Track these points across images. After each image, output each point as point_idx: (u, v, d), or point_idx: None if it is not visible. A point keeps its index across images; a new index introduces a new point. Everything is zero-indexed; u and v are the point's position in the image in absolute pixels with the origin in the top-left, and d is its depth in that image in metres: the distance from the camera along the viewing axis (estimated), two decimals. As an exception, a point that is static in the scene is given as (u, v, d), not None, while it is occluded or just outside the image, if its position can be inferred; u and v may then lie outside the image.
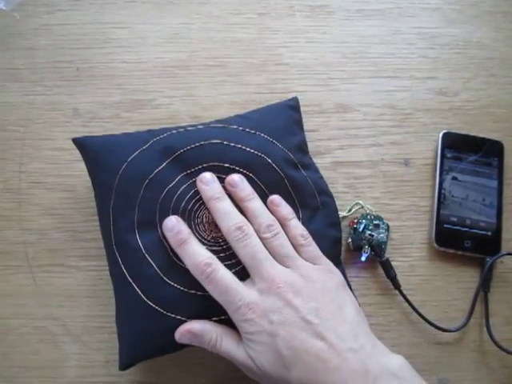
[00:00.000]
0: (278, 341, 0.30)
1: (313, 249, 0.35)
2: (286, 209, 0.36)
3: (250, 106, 0.42)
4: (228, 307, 0.32)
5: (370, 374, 0.29)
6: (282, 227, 0.35)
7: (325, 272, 0.34)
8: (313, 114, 0.43)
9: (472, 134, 0.43)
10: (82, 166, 0.37)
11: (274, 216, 0.35)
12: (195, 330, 0.32)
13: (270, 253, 0.33)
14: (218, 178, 0.35)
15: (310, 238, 0.35)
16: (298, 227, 0.35)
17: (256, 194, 0.35)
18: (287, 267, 0.33)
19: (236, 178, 0.35)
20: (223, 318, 0.33)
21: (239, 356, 0.32)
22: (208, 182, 0.34)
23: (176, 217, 0.34)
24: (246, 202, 0.35)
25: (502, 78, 0.45)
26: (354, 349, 0.30)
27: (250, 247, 0.33)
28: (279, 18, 0.46)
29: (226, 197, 0.34)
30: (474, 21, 0.47)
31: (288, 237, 0.35)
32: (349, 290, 0.35)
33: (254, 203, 0.35)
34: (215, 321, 0.33)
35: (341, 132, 0.43)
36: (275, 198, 0.36)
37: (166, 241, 0.34)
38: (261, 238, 0.33)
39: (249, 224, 0.34)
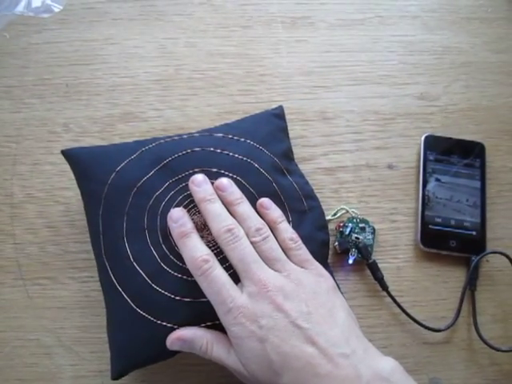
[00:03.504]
0: (267, 346, 0.30)
1: (302, 252, 0.35)
2: (275, 212, 0.36)
3: (237, 116, 0.43)
4: (218, 308, 0.31)
5: (362, 379, 0.29)
6: (271, 230, 0.35)
7: (315, 276, 0.34)
8: (297, 121, 0.44)
9: (454, 136, 0.44)
10: (73, 179, 0.37)
11: (264, 219, 0.35)
12: (185, 336, 0.32)
13: (259, 256, 0.33)
14: None
15: (300, 242, 0.35)
16: (287, 230, 0.35)
17: (245, 198, 0.35)
18: (277, 271, 0.33)
19: (225, 182, 0.35)
20: (213, 323, 0.33)
21: (230, 361, 0.31)
22: (200, 184, 0.35)
23: (182, 209, 0.34)
24: (235, 206, 0.34)
25: (481, 81, 0.46)
26: (346, 354, 0.30)
27: (239, 250, 0.32)
28: (262, 30, 0.47)
29: (218, 199, 0.34)
30: (452, 27, 0.48)
31: (277, 240, 0.34)
32: (339, 294, 0.35)
33: (243, 207, 0.35)
34: (205, 326, 0.33)
35: (325, 138, 0.44)
36: (264, 201, 0.36)
37: (155, 248, 0.34)
38: (250, 242, 0.33)
39: (239, 227, 0.33)
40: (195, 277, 0.32)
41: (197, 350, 0.32)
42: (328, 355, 0.30)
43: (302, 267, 0.34)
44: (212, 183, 0.35)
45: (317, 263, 0.35)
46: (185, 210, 0.34)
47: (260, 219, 0.35)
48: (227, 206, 0.35)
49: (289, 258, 0.34)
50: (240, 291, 0.32)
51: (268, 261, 0.33)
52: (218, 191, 0.35)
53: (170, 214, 0.34)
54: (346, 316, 0.32)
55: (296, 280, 0.32)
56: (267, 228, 0.34)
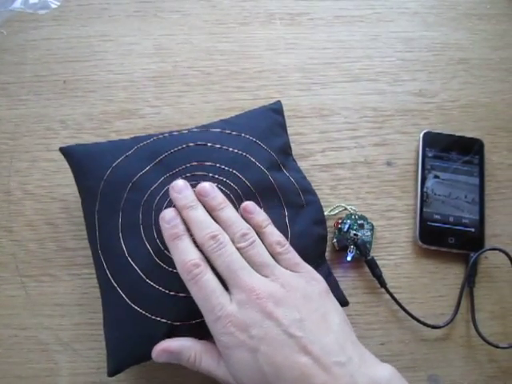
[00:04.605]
0: (258, 357, 0.29)
1: (291, 256, 0.33)
2: (259, 215, 0.34)
3: (234, 113, 0.42)
4: (207, 316, 0.30)
5: None
6: (257, 235, 0.33)
7: (306, 279, 0.32)
8: (295, 118, 0.44)
9: (452, 133, 0.44)
10: (71, 176, 0.37)
11: (249, 224, 0.34)
12: (172, 348, 0.31)
13: (247, 262, 0.32)
14: (199, 176, 0.35)
15: (288, 245, 0.34)
16: (273, 234, 0.34)
17: (228, 202, 0.34)
18: (266, 276, 0.31)
19: (206, 186, 0.34)
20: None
21: (219, 373, 0.30)
22: (180, 190, 0.33)
23: (175, 210, 0.33)
24: (218, 211, 0.33)
25: (480, 78, 0.46)
26: (341, 362, 0.29)
27: (225, 257, 0.31)
28: (260, 27, 0.47)
29: (200, 205, 0.33)
30: (451, 23, 0.48)
31: (264, 245, 0.33)
32: (333, 297, 0.33)
33: (227, 212, 0.33)
34: (200, 322, 0.33)
35: (324, 135, 0.44)
36: (248, 205, 0.34)
37: (149, 243, 0.34)
38: (237, 248, 0.32)
39: (224, 233, 0.32)
40: (184, 281, 0.31)
41: (184, 362, 0.31)
42: (323, 364, 0.28)
43: (292, 271, 0.33)
44: (207, 176, 0.35)
45: (308, 266, 0.34)
46: (177, 211, 0.33)
47: (245, 224, 0.33)
48: (210, 211, 0.33)
49: (278, 263, 0.33)
50: (230, 299, 0.31)
51: (256, 266, 0.32)
52: (200, 197, 0.34)
53: (162, 215, 0.33)
54: (340, 321, 0.31)
55: (286, 285, 0.31)
56: (253, 232, 0.33)
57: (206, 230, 0.32)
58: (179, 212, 0.33)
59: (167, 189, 0.35)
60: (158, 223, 0.34)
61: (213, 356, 0.31)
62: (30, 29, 0.45)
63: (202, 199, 0.34)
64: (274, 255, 0.33)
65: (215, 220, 0.33)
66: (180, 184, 0.34)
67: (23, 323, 0.39)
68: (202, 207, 0.33)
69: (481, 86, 0.46)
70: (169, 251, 0.33)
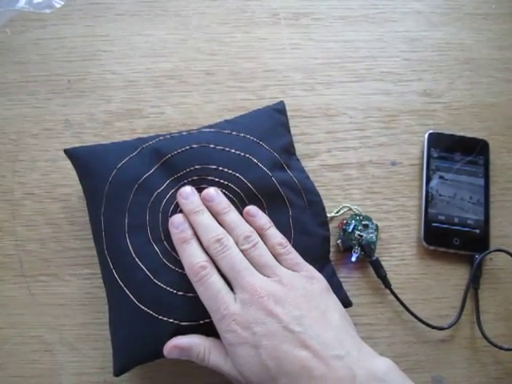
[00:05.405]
0: (261, 352, 0.30)
1: (293, 256, 0.35)
2: (261, 219, 0.36)
3: (238, 113, 0.42)
4: (213, 315, 0.32)
5: (357, 380, 0.29)
6: (260, 237, 0.35)
7: (307, 278, 0.34)
8: (300, 118, 0.44)
9: (457, 133, 0.44)
10: (75, 176, 0.37)
11: (252, 226, 0.35)
12: (183, 344, 0.32)
13: (250, 263, 0.33)
14: (204, 180, 0.36)
15: (289, 246, 0.35)
16: (275, 236, 0.35)
17: (232, 207, 0.35)
18: (268, 276, 0.33)
19: (211, 192, 0.35)
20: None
21: (227, 368, 0.32)
22: (187, 196, 0.35)
23: (183, 215, 0.35)
24: (223, 215, 0.35)
25: (485, 78, 0.46)
26: (340, 356, 0.30)
27: (229, 258, 0.33)
28: (265, 26, 0.47)
29: (205, 210, 0.35)
30: (456, 23, 0.48)
31: (267, 246, 0.34)
32: (333, 295, 0.34)
33: (231, 215, 0.35)
34: (207, 322, 0.33)
35: (329, 135, 0.44)
36: (250, 209, 0.36)
37: (156, 244, 0.34)
38: (240, 250, 0.33)
39: (228, 236, 0.34)
40: (192, 282, 0.33)
41: (194, 358, 0.33)
42: (322, 358, 0.30)
43: (293, 271, 0.34)
44: (210, 179, 0.36)
45: (308, 266, 0.35)
46: (186, 217, 0.35)
47: (248, 226, 0.35)
48: (215, 215, 0.35)
49: (280, 263, 0.34)
50: (234, 298, 0.32)
51: (258, 267, 0.33)
52: (205, 202, 0.35)
53: (171, 220, 0.34)
54: (340, 317, 0.32)
55: (287, 284, 0.32)
56: (256, 235, 0.34)
57: (212, 233, 0.33)
58: (186, 217, 0.35)
59: (173, 192, 0.36)
60: (164, 225, 0.35)
61: (220, 352, 0.32)
62: (34, 28, 0.45)
63: (207, 204, 0.35)
64: (276, 256, 0.34)
65: (220, 223, 0.35)
66: (187, 190, 0.35)
67: (27, 323, 0.39)
68: (208, 212, 0.35)
69: (486, 86, 0.46)
70: (176, 252, 0.34)
